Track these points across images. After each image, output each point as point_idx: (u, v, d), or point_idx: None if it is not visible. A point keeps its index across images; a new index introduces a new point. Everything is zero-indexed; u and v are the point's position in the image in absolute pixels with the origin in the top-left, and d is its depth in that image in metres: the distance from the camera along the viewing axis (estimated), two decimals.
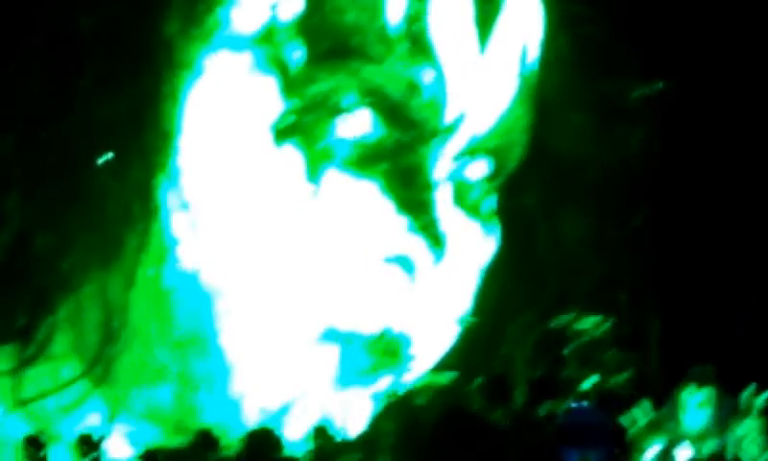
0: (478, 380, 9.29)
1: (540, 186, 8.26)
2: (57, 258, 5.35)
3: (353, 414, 6.91)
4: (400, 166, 5.54)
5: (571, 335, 9.70)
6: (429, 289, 6.58)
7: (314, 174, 5.65)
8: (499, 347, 9.20)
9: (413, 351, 7.08)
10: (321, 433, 6.98)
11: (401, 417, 7.75)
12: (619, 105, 8.78)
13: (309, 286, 5.81)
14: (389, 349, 6.56)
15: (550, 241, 8.76)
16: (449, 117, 6.15)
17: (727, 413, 6.94)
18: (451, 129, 5.96)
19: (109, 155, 5.07)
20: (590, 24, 8.21)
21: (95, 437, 6.21)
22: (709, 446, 6.91)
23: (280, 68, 5.77)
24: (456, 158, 6.39)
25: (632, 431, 7.02)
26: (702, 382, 6.98)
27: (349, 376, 6.38)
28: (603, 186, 9.01)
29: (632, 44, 8.68)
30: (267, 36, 6.30)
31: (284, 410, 6.16)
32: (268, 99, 5.76)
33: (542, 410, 8.87)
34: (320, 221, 5.71)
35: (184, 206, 5.27)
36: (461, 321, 7.65)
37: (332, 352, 6.24)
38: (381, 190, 5.78)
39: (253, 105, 5.70)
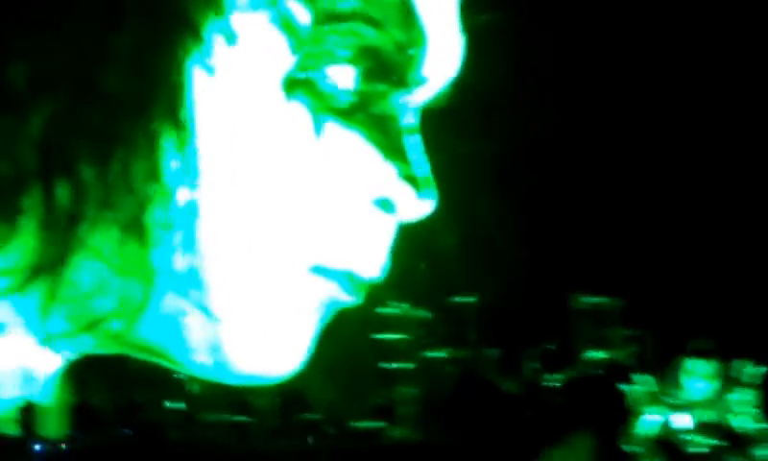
0: (492, 351, 9.65)
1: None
2: (73, 212, 5.48)
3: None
4: (377, 114, 5.74)
5: (579, 311, 10.00)
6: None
7: (312, 124, 6.00)
8: None
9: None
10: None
11: (422, 384, 8.12)
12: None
13: (299, 225, 6.11)
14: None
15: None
16: (423, 73, 6.45)
17: (725, 385, 7.12)
18: (420, 82, 6.28)
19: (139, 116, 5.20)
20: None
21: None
22: (707, 416, 7.06)
23: (284, 28, 6.06)
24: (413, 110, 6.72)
25: (632, 400, 7.13)
26: (704, 355, 7.08)
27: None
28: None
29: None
30: None
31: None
32: (272, 56, 6.09)
33: (552, 381, 9.22)
34: (313, 166, 6.04)
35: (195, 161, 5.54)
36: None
37: (317, 288, 6.52)
38: (366, 138, 6.09)
39: (258, 62, 6.02)
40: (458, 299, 9.67)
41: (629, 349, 9.74)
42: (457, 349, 9.62)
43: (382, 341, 9.37)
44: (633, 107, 9.70)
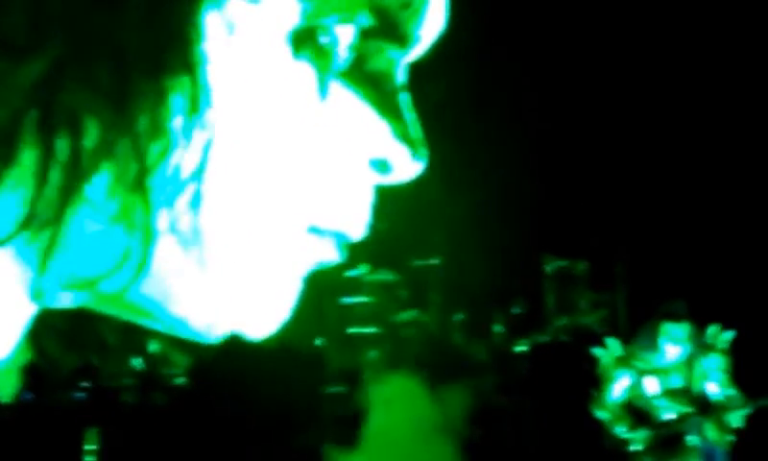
0: (459, 316, 9.62)
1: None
2: (74, 166, 5.54)
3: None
4: (373, 72, 5.83)
5: (545, 275, 10.01)
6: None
7: (317, 83, 6.00)
8: None
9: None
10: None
11: (385, 348, 8.06)
12: None
13: (296, 184, 6.13)
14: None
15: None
16: (420, 30, 6.50)
17: (695, 350, 7.11)
18: (417, 39, 6.32)
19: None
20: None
21: None
22: (676, 380, 7.06)
23: None
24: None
25: (601, 365, 7.11)
26: (675, 319, 6.99)
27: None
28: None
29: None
30: None
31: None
32: (280, 10, 6.14)
33: (519, 346, 9.22)
34: (313, 126, 6.05)
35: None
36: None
37: (307, 248, 6.52)
38: (362, 96, 6.13)
39: (267, 16, 6.04)
40: (423, 262, 9.67)
41: (598, 313, 9.75)
42: (422, 313, 9.57)
43: (347, 305, 9.37)
44: (610, 64, 9.66)
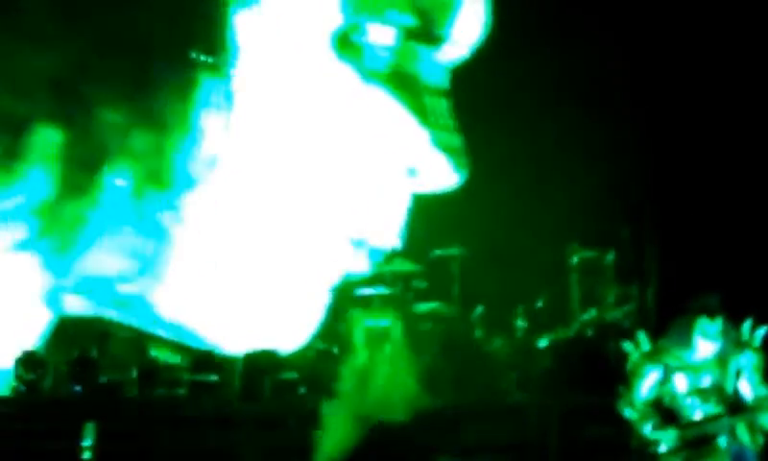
0: (479, 309, 9.45)
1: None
2: (91, 159, 5.54)
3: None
4: (413, 75, 5.82)
5: (573, 269, 9.86)
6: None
7: (358, 86, 5.84)
8: None
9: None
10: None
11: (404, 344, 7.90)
12: None
13: (330, 194, 5.93)
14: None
15: None
16: (452, 31, 6.35)
17: (729, 346, 6.84)
18: (447, 39, 6.22)
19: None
20: None
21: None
22: (708, 378, 6.81)
23: None
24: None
25: (631, 362, 6.85)
26: (711, 313, 6.83)
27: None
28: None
29: None
30: None
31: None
32: (325, 13, 6.02)
33: (542, 341, 9.07)
34: (350, 131, 5.85)
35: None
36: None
37: (338, 257, 6.37)
38: (402, 101, 6.02)
39: (307, 17, 5.91)
40: (443, 252, 9.50)
41: (626, 307, 9.59)
42: (442, 304, 9.42)
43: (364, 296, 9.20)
44: (640, 54, 9.64)
